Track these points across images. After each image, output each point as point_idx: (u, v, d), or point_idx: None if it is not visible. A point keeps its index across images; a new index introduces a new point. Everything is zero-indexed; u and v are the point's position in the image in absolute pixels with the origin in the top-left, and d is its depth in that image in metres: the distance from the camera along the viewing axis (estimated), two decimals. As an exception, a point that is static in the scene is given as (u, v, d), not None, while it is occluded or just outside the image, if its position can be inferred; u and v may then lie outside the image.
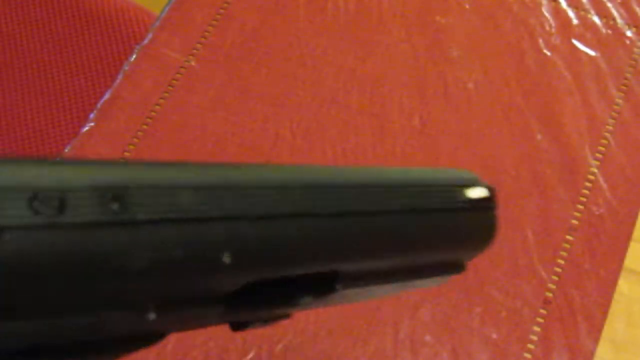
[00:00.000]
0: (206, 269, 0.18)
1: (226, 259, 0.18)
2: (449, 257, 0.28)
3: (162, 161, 0.20)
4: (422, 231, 0.25)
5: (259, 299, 0.22)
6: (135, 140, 0.53)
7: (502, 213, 0.49)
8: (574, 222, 0.49)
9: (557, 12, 0.56)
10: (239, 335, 0.46)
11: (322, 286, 0.23)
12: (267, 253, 0.20)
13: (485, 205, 0.28)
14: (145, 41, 0.57)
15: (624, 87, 0.53)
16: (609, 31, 0.55)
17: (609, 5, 0.56)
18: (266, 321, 0.25)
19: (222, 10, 0.58)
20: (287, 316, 0.27)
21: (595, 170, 0.50)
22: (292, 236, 0.21)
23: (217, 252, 0.18)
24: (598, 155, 0.51)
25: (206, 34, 0.57)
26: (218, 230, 0.19)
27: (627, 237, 0.48)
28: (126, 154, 0.52)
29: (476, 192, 0.27)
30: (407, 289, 0.29)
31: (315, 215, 0.22)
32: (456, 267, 0.29)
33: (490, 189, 0.28)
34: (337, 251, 0.23)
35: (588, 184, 0.50)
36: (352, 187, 0.23)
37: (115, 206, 0.17)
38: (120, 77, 0.55)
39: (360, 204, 0.23)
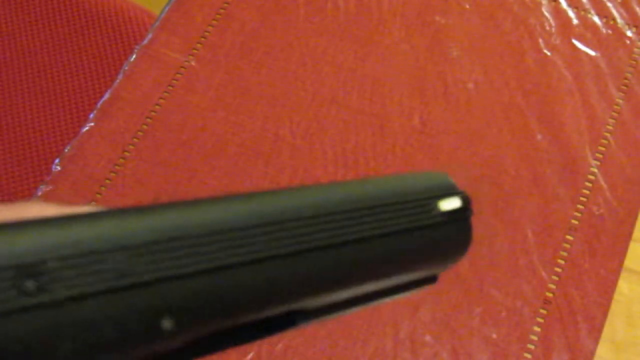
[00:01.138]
0: (144, 340, 0.16)
1: (166, 324, 0.17)
2: (423, 274, 0.26)
3: (105, 211, 0.18)
4: (392, 255, 0.24)
5: (210, 347, 0.20)
6: (135, 140, 0.53)
7: (502, 213, 0.49)
8: (574, 222, 0.49)
9: (557, 12, 0.56)
10: (239, 335, 0.46)
11: (280, 325, 0.22)
12: (215, 308, 0.18)
13: (460, 215, 0.26)
14: (145, 41, 0.57)
15: (624, 87, 0.53)
16: (609, 31, 0.55)
17: (609, 5, 0.56)
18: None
19: (222, 10, 0.58)
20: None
21: (595, 170, 0.50)
22: (241, 285, 0.19)
23: (154, 319, 0.16)
24: (598, 155, 0.51)
25: (206, 34, 0.57)
26: (153, 294, 0.17)
27: (627, 237, 0.48)
28: (126, 153, 0.52)
29: (450, 204, 0.25)
30: (380, 303, 0.27)
31: (268, 259, 0.20)
32: (429, 280, 0.27)
33: (464, 198, 0.26)
34: (296, 293, 0.21)
35: (588, 184, 0.50)
36: (309, 217, 0.21)
37: (30, 285, 0.15)
38: (120, 77, 0.55)
39: (319, 237, 0.21)
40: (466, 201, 0.26)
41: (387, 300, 0.26)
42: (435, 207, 0.25)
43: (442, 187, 0.26)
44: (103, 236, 0.17)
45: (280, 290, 0.20)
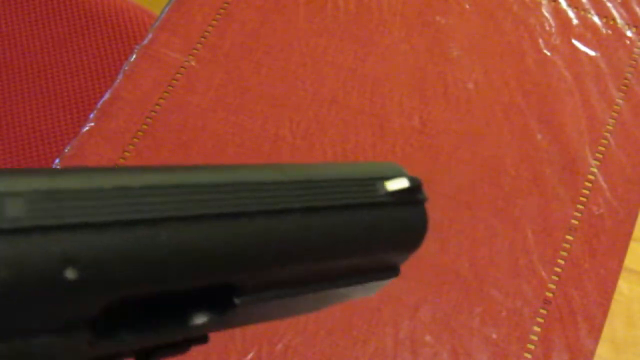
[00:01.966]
0: (44, 289, 0.15)
1: (70, 274, 0.16)
2: (375, 259, 0.25)
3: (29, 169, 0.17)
4: (337, 229, 0.22)
5: (138, 320, 0.19)
6: (135, 140, 0.53)
7: (502, 213, 0.49)
8: (574, 222, 0.49)
9: (557, 12, 0.56)
10: (239, 335, 0.46)
11: (217, 302, 0.20)
12: (130, 266, 0.17)
13: (409, 198, 0.25)
14: (145, 41, 0.57)
15: (624, 87, 0.53)
16: (609, 31, 0.55)
17: (609, 5, 0.56)
18: (175, 347, 0.22)
19: (222, 10, 0.58)
20: (204, 340, 0.24)
21: (595, 170, 0.50)
22: (161, 244, 0.17)
23: (55, 267, 0.15)
24: (598, 155, 0.51)
25: (206, 34, 0.57)
26: (56, 240, 0.16)
27: (627, 237, 0.48)
28: (126, 153, 0.52)
29: (396, 184, 0.24)
30: (340, 300, 0.26)
31: (195, 218, 0.18)
32: (388, 271, 0.26)
33: (414, 181, 0.24)
34: (229, 260, 0.19)
35: (588, 184, 0.50)
36: (247, 184, 0.20)
37: None
38: (120, 77, 0.55)
39: (256, 203, 0.20)
40: (416, 184, 0.25)
41: (349, 293, 0.25)
42: (382, 187, 0.24)
43: (390, 172, 0.25)
44: (11, 179, 0.16)
45: (212, 252, 0.18)
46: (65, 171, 0.17)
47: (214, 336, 0.47)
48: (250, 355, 0.45)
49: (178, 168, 0.20)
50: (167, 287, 0.18)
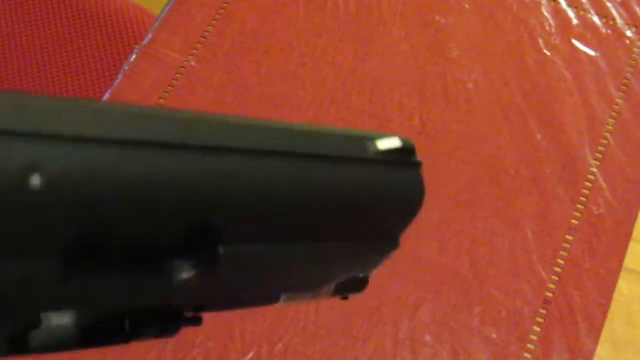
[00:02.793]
0: (9, 196, 0.15)
1: (35, 181, 0.15)
2: (369, 222, 0.24)
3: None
4: (323, 180, 0.21)
5: (113, 264, 0.18)
6: (135, 140, 0.53)
7: (502, 213, 0.49)
8: (574, 222, 0.49)
9: (557, 12, 0.56)
10: (239, 335, 0.46)
11: (200, 251, 0.19)
12: (100, 185, 0.16)
13: (402, 159, 0.24)
14: (145, 41, 0.57)
15: (624, 87, 0.53)
16: (609, 31, 0.55)
17: (609, 5, 0.56)
18: (166, 330, 0.21)
19: (222, 10, 0.58)
20: (197, 321, 0.23)
21: (595, 170, 0.50)
22: (135, 168, 0.16)
23: (21, 173, 0.15)
24: (598, 155, 0.51)
25: (206, 34, 0.57)
26: (22, 146, 0.15)
27: (627, 237, 0.48)
28: (126, 154, 0.52)
29: (387, 143, 0.23)
30: (338, 275, 0.25)
31: (176, 147, 0.17)
32: (386, 240, 0.25)
33: (406, 142, 0.24)
34: (210, 195, 0.18)
35: (588, 184, 0.50)
36: (234, 124, 0.19)
37: None
38: (120, 77, 0.55)
39: (242, 141, 0.19)
40: (408, 145, 0.24)
41: (345, 262, 0.24)
42: (373, 145, 0.23)
43: (384, 135, 0.24)
44: None
45: (184, 185, 0.18)
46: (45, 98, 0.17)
47: (213, 336, 0.47)
48: (250, 355, 0.45)
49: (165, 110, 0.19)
50: (141, 218, 0.17)
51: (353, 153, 0.22)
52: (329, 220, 0.22)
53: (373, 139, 0.23)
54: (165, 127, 0.18)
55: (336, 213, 0.22)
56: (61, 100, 0.17)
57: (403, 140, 0.24)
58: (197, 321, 0.23)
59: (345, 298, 0.34)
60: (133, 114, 0.17)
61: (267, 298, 0.27)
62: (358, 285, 0.33)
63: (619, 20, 0.56)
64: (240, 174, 0.19)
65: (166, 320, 0.22)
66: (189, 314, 0.24)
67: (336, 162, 0.22)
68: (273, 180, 0.20)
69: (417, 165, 0.25)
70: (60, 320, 0.23)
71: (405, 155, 0.24)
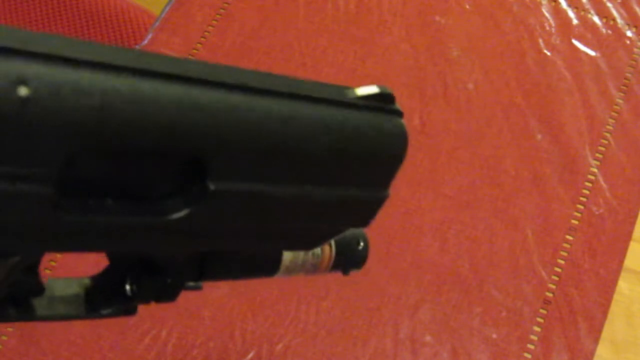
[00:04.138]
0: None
1: (22, 91, 0.16)
2: (355, 168, 0.24)
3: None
4: (307, 119, 0.22)
5: (106, 193, 0.18)
6: (135, 140, 0.53)
7: (502, 213, 0.49)
8: (574, 222, 0.49)
9: (557, 12, 0.56)
10: (239, 335, 0.46)
11: (187, 179, 0.20)
12: (84, 103, 0.16)
13: (382, 106, 0.25)
14: (145, 41, 0.57)
15: (624, 87, 0.53)
16: (609, 31, 0.55)
17: (609, 5, 0.56)
18: (165, 292, 0.23)
19: (222, 10, 0.58)
20: (197, 287, 0.24)
21: (595, 170, 0.50)
22: (122, 91, 0.17)
23: (9, 85, 0.16)
24: (598, 155, 0.51)
25: (206, 34, 0.57)
26: (11, 60, 0.16)
27: (627, 237, 0.48)
28: (126, 154, 0.52)
29: (365, 90, 0.24)
30: (331, 228, 0.26)
31: (165, 76, 0.18)
32: (376, 187, 0.26)
33: (383, 89, 0.25)
34: (196, 126, 0.18)
35: (588, 184, 0.50)
36: (221, 66, 0.20)
37: None
38: (120, 77, 0.55)
39: (227, 77, 0.20)
40: (386, 92, 0.25)
41: (338, 214, 0.24)
42: (352, 92, 0.24)
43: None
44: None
45: (172, 113, 0.18)
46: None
47: (214, 336, 0.47)
48: (250, 355, 0.45)
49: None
50: (126, 141, 0.17)
51: (334, 96, 0.23)
52: (314, 160, 0.22)
53: (352, 88, 0.24)
54: (151, 59, 0.18)
55: (320, 152, 0.23)
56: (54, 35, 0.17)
57: (381, 87, 0.25)
58: (196, 287, 0.24)
59: (345, 273, 0.34)
60: (121, 49, 0.18)
61: (265, 264, 0.28)
62: (356, 258, 0.33)
63: (619, 20, 0.56)
64: (224, 108, 0.19)
65: (165, 282, 0.23)
66: (190, 284, 0.25)
67: (318, 102, 0.23)
68: (258, 116, 0.20)
69: (398, 113, 0.25)
70: (64, 290, 0.23)
71: (384, 102, 0.25)
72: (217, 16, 0.57)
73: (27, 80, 0.16)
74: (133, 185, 0.19)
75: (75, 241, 0.18)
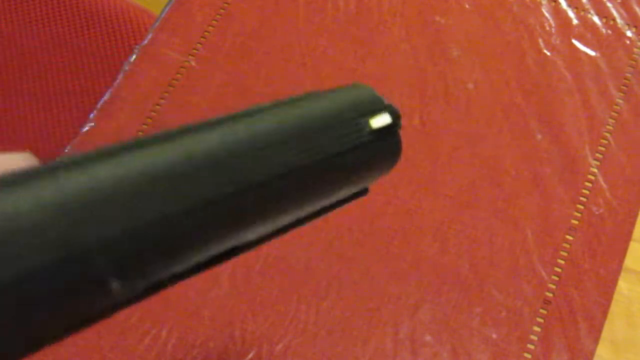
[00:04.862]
0: (94, 304, 0.16)
1: (115, 285, 0.16)
2: (353, 189, 0.26)
3: (39, 168, 0.16)
4: (324, 181, 0.23)
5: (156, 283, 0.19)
6: (135, 140, 0.53)
7: (502, 213, 0.49)
8: (574, 222, 0.49)
9: (557, 12, 0.56)
10: (239, 335, 0.46)
11: (221, 259, 0.21)
12: (160, 257, 0.17)
13: (390, 130, 0.25)
14: (145, 41, 0.57)
15: (624, 87, 0.53)
16: (609, 31, 0.55)
17: (609, 5, 0.56)
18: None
19: (222, 10, 0.58)
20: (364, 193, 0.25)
21: (595, 170, 0.50)
22: (179, 234, 0.18)
23: (103, 284, 0.16)
24: (598, 155, 0.51)
25: (206, 34, 0.57)
26: (100, 260, 0.16)
27: (627, 237, 0.48)
28: (126, 154, 0.52)
29: (379, 121, 0.24)
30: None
31: (202, 205, 0.19)
32: (360, 193, 0.27)
33: (393, 113, 0.25)
34: (233, 233, 0.20)
35: (588, 184, 0.50)
36: (238, 156, 0.20)
37: None
38: (120, 77, 0.55)
39: (253, 174, 0.20)
40: (396, 116, 0.25)
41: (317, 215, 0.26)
42: (366, 126, 0.24)
43: (369, 102, 0.25)
44: (42, 203, 0.16)
45: (217, 232, 0.19)
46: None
47: (214, 336, 0.47)
48: (250, 355, 0.45)
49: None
50: (185, 265, 0.19)
51: (350, 142, 0.23)
52: (324, 205, 0.24)
53: (364, 115, 0.24)
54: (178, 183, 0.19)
55: (332, 199, 0.24)
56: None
57: (392, 112, 0.25)
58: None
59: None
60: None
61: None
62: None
63: (619, 20, 0.56)
64: (261, 204, 0.21)
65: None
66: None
67: (335, 157, 0.23)
68: (286, 198, 0.22)
69: (399, 129, 0.26)
70: None
71: (392, 127, 0.25)
72: (217, 16, 0.57)
73: (119, 273, 0.16)
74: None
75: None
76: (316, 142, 0.23)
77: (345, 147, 0.23)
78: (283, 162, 0.21)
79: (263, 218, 0.21)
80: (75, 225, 0.16)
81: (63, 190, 0.16)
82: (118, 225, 0.16)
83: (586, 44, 0.55)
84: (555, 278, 0.47)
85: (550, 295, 0.47)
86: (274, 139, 0.22)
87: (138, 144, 0.19)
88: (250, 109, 0.22)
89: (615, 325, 0.46)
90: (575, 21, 0.56)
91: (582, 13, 0.56)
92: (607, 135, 0.52)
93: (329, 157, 0.23)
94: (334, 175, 0.23)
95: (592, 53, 0.54)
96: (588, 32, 0.55)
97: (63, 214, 0.16)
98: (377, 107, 0.25)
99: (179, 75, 0.55)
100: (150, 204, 0.17)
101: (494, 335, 0.46)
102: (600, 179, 0.50)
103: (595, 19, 0.56)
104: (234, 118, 0.22)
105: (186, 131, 0.20)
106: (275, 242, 0.30)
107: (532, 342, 0.46)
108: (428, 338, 0.46)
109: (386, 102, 0.25)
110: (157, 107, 0.54)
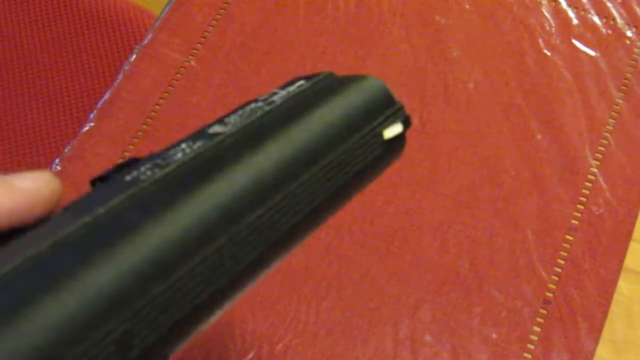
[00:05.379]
0: None
1: (135, 351, 0.17)
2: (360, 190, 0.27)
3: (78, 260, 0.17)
4: (342, 197, 0.24)
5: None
6: (135, 140, 0.53)
7: (502, 213, 0.49)
8: (574, 222, 0.49)
9: (557, 12, 0.56)
10: (239, 335, 0.46)
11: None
12: (178, 334, 0.18)
13: (400, 136, 0.26)
14: (145, 41, 0.57)
15: (624, 87, 0.53)
16: (609, 31, 0.55)
17: (609, 5, 0.56)
18: None
19: (222, 10, 0.58)
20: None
21: (595, 170, 0.50)
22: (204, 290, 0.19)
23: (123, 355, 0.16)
24: (598, 155, 0.51)
25: (206, 34, 0.57)
26: (113, 334, 0.16)
27: (627, 237, 0.48)
28: (126, 153, 0.52)
29: (392, 131, 0.25)
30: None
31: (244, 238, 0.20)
32: None
33: (405, 120, 0.25)
34: (256, 273, 0.21)
35: (588, 184, 0.50)
36: (262, 203, 0.21)
37: None
38: (120, 77, 0.55)
39: (289, 211, 0.22)
40: (406, 123, 0.25)
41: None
42: (380, 137, 0.25)
43: (384, 104, 0.25)
44: (97, 306, 0.16)
45: (247, 272, 0.21)
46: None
47: (213, 336, 0.47)
48: (250, 355, 0.45)
49: None
50: (210, 316, 0.20)
51: (366, 159, 0.24)
52: (336, 207, 0.25)
53: (378, 125, 0.25)
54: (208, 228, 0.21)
55: (344, 203, 0.25)
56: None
57: (403, 120, 0.25)
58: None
59: None
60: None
61: None
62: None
63: (619, 20, 0.56)
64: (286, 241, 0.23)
65: None
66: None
67: (354, 174, 0.24)
68: (310, 222, 0.23)
69: (405, 131, 0.26)
70: None
71: (403, 133, 0.26)
72: (217, 16, 0.57)
73: (134, 340, 0.17)
74: None
75: None
76: (338, 169, 0.23)
77: (361, 164, 0.24)
78: (313, 199, 0.22)
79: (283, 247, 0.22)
80: (132, 320, 0.17)
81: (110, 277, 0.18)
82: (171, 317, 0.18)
83: (586, 44, 0.55)
84: (555, 278, 0.47)
85: (550, 295, 0.47)
86: (303, 179, 0.22)
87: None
88: (259, 133, 0.23)
89: (615, 326, 0.46)
90: (575, 21, 0.56)
91: (582, 13, 0.56)
92: (607, 135, 0.52)
93: (350, 178, 0.24)
94: (350, 189, 0.24)
95: (592, 53, 0.54)
96: (588, 32, 0.55)
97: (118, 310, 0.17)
98: (390, 112, 0.25)
99: (179, 75, 0.55)
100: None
101: (494, 335, 0.46)
102: (600, 179, 0.50)
103: (595, 19, 0.56)
104: (250, 156, 0.22)
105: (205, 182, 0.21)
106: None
107: (532, 342, 0.46)
108: (428, 338, 0.46)
109: (397, 101, 0.26)
110: (157, 107, 0.54)
